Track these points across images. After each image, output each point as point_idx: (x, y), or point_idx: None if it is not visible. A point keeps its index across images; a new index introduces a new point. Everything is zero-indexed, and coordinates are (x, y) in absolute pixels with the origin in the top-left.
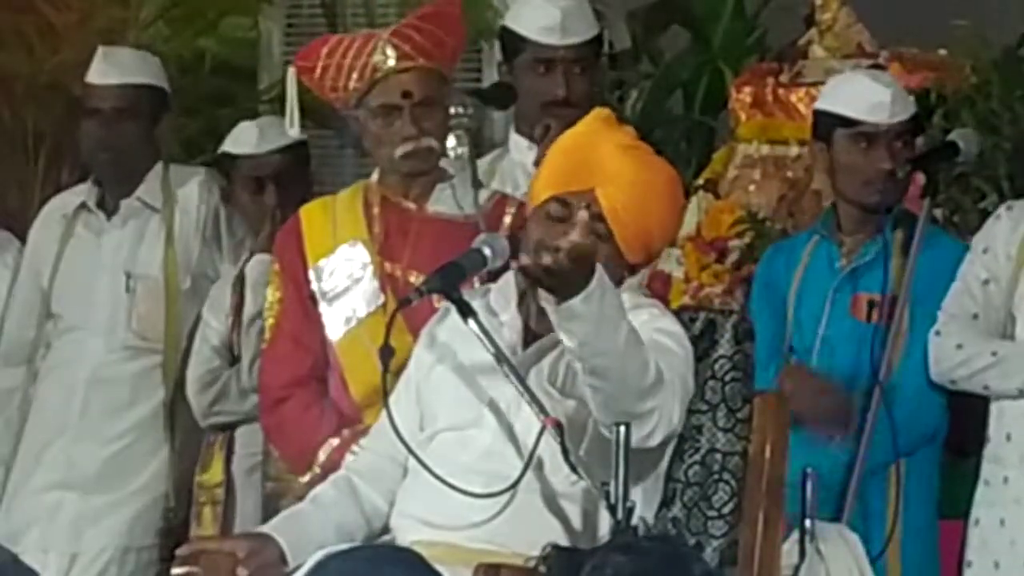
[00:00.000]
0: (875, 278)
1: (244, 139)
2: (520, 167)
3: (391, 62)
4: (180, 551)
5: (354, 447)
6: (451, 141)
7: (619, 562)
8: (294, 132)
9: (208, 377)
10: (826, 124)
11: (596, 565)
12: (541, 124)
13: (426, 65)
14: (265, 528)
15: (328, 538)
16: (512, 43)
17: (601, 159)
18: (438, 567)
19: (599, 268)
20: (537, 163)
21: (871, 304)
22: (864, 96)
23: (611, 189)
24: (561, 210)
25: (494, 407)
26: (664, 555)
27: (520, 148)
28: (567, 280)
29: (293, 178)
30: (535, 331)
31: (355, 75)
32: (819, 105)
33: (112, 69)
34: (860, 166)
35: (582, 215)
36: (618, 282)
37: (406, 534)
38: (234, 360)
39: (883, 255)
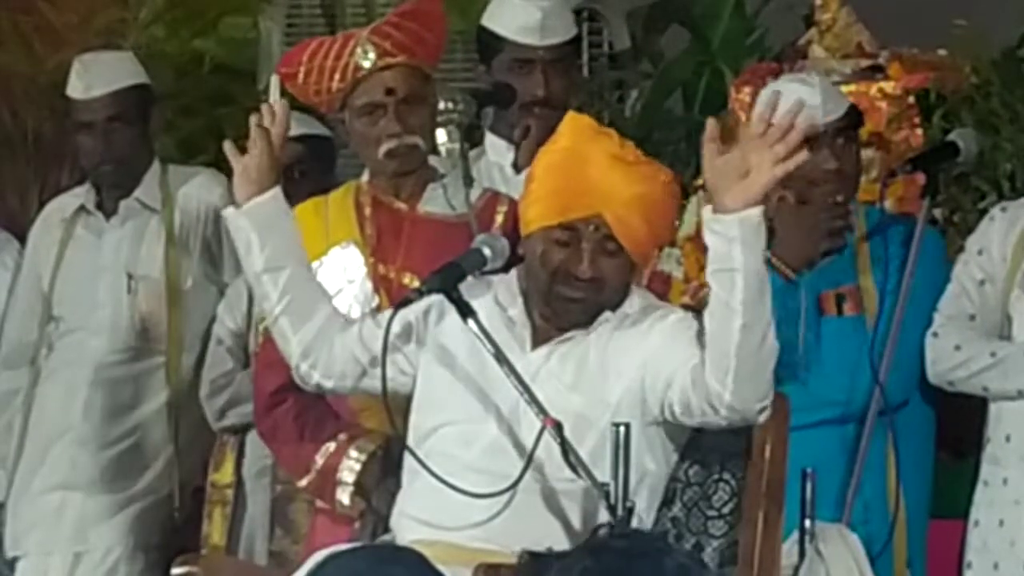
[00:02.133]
0: (839, 273)
1: None
2: (497, 167)
3: (371, 60)
4: None
5: (351, 451)
6: (442, 136)
7: (586, 565)
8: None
9: (222, 381)
10: None
11: (562, 568)
12: (521, 125)
13: (408, 62)
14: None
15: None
16: (490, 43)
17: (599, 181)
18: (439, 567)
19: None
20: (516, 165)
21: (839, 297)
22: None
23: (616, 208)
24: (568, 235)
25: (498, 405)
26: (633, 552)
27: (497, 149)
28: (587, 306)
29: (307, 169)
30: (540, 328)
31: (337, 76)
32: None
33: (96, 80)
34: (806, 170)
35: (591, 238)
36: (628, 285)
37: (406, 533)
38: (248, 361)
39: (847, 249)
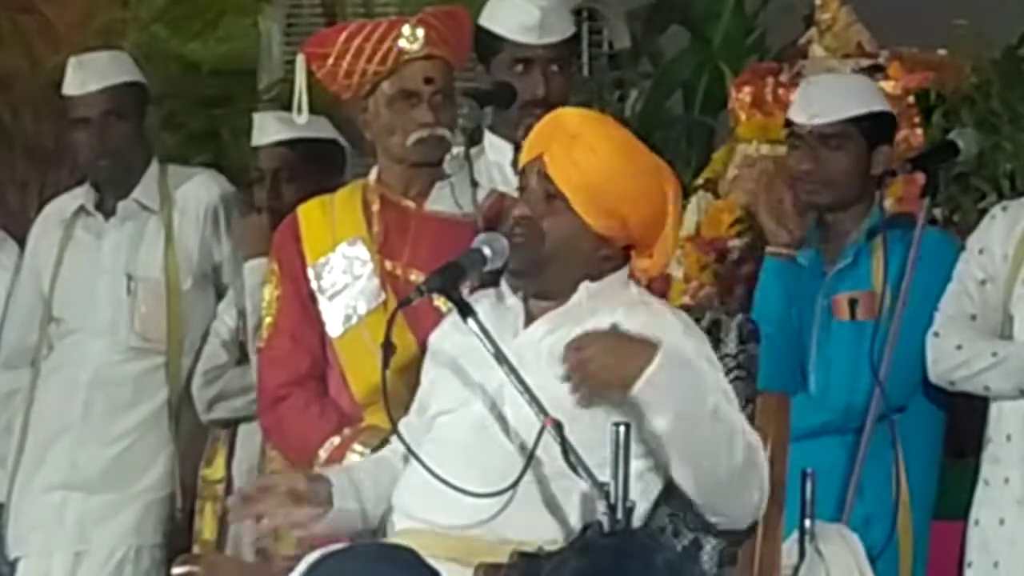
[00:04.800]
0: (856, 278)
1: (255, 131)
2: (496, 167)
3: (418, 45)
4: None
5: (355, 445)
6: None
7: (575, 567)
8: (302, 119)
9: (214, 373)
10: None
11: (553, 568)
12: (523, 124)
13: (446, 57)
14: (317, 471)
15: (369, 494)
16: (488, 43)
17: (550, 124)
18: (428, 558)
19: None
20: (516, 164)
21: (852, 302)
22: (797, 98)
23: (554, 146)
24: (523, 181)
25: (483, 387)
26: (622, 550)
27: (497, 148)
28: (525, 252)
29: (296, 173)
30: (531, 310)
31: (377, 58)
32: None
33: (91, 76)
34: (792, 165)
35: (533, 179)
36: (597, 259)
37: (395, 523)
38: (243, 358)
39: (863, 253)
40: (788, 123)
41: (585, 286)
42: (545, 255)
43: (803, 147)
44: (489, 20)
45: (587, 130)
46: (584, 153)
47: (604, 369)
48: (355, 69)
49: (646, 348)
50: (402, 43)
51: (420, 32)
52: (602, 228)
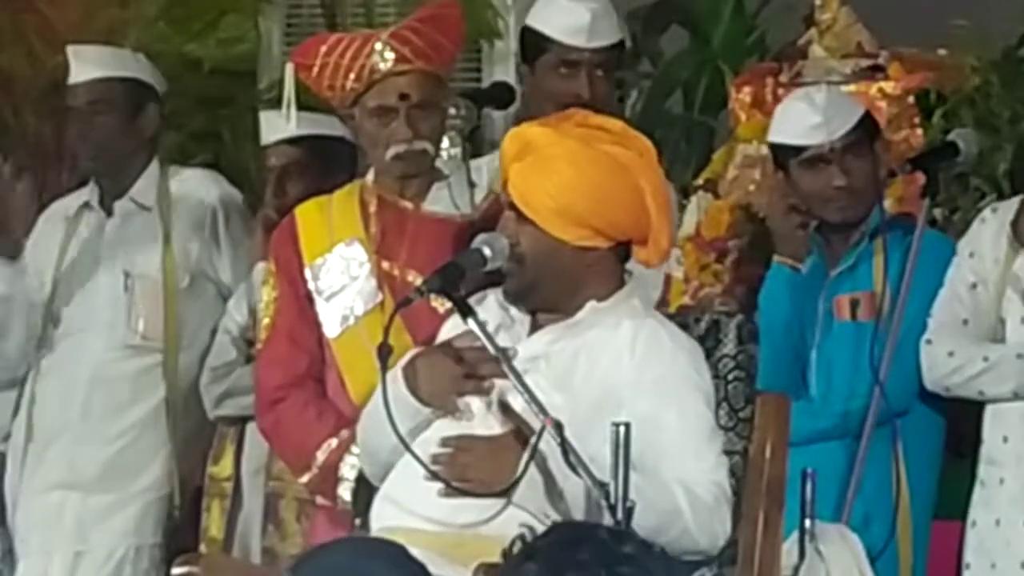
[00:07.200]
0: (857, 279)
1: (262, 129)
2: None
3: (388, 64)
4: None
5: (353, 448)
6: (444, 142)
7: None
8: (291, 127)
9: (223, 370)
10: (781, 154)
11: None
12: None
13: (424, 68)
14: None
15: None
16: (535, 43)
17: (505, 146)
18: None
19: None
20: None
21: (853, 303)
22: (800, 120)
23: (511, 171)
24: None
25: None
26: (561, 542)
27: None
28: (513, 279)
29: (303, 171)
30: (540, 324)
31: (352, 75)
32: (769, 137)
33: (82, 67)
34: (817, 188)
35: (508, 204)
36: (584, 267)
37: (384, 519)
38: (251, 356)
39: (864, 255)
40: (796, 150)
41: (592, 305)
42: (531, 277)
43: (829, 165)
44: (537, 20)
45: (536, 149)
46: (535, 175)
47: (483, 473)
48: (335, 84)
49: (516, 450)
50: (374, 60)
51: (388, 50)
52: (576, 240)
